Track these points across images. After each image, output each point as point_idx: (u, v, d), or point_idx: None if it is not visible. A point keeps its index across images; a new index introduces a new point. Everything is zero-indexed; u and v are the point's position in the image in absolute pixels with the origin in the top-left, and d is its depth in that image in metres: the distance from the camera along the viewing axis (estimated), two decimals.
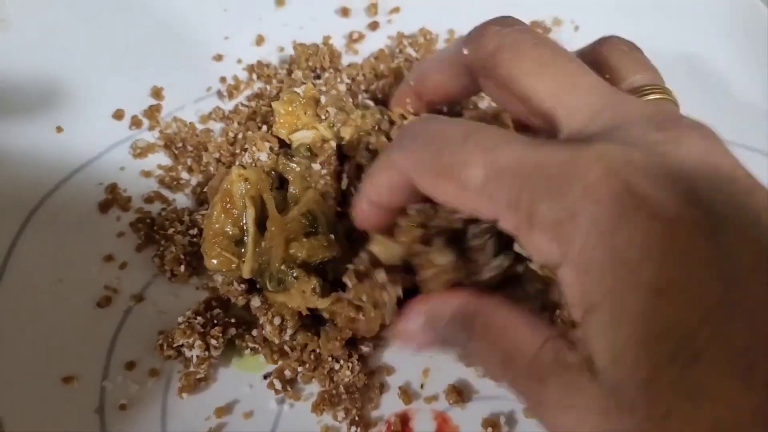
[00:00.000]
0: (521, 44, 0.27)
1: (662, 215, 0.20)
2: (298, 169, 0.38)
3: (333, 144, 0.38)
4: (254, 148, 0.39)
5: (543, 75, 0.26)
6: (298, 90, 0.39)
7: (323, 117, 0.38)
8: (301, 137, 0.38)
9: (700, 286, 0.20)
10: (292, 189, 0.37)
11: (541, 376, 0.22)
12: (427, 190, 0.25)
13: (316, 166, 0.37)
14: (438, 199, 0.25)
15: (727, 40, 0.50)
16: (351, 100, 0.40)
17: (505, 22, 0.28)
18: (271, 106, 0.40)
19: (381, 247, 0.30)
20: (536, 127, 0.28)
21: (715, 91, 0.48)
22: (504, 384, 0.25)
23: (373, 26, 0.49)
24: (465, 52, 0.29)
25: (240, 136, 0.43)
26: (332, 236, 0.35)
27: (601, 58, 0.30)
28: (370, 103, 0.41)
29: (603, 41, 0.31)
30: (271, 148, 0.39)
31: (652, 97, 0.29)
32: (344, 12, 0.50)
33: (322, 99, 0.38)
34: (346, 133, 0.38)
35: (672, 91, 0.30)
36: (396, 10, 0.50)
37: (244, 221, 0.35)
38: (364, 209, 0.29)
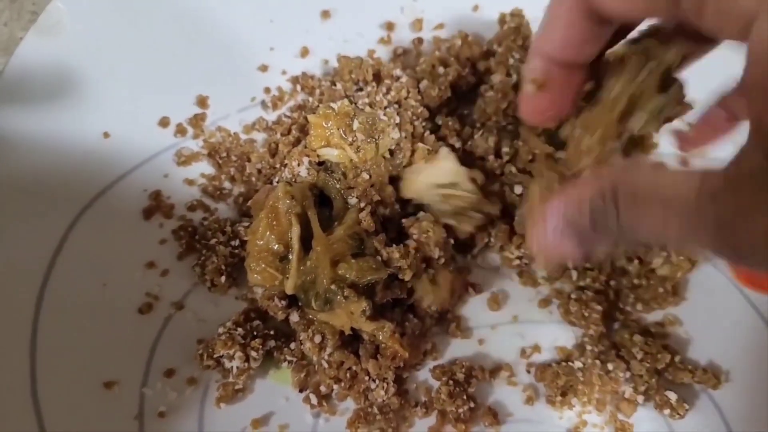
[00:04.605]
0: None
1: None
2: (338, 185, 0.38)
3: (366, 176, 0.38)
4: (294, 163, 0.39)
5: None
6: (333, 105, 0.39)
7: (350, 140, 0.38)
8: (327, 154, 0.39)
9: None
10: (336, 204, 0.38)
11: (714, 199, 0.20)
12: None
13: (353, 201, 0.37)
14: (618, 6, 0.24)
15: None
16: (387, 118, 0.40)
17: None
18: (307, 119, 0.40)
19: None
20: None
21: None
22: (670, 242, 0.23)
23: (418, 42, 0.49)
24: None
25: (281, 147, 0.44)
26: (379, 257, 0.35)
27: None
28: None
29: None
30: (310, 163, 0.39)
31: None
32: (389, 27, 0.50)
33: (355, 123, 0.38)
34: (366, 156, 0.38)
35: None
36: (440, 26, 0.50)
37: (290, 237, 0.35)
38: (537, 67, 0.27)
